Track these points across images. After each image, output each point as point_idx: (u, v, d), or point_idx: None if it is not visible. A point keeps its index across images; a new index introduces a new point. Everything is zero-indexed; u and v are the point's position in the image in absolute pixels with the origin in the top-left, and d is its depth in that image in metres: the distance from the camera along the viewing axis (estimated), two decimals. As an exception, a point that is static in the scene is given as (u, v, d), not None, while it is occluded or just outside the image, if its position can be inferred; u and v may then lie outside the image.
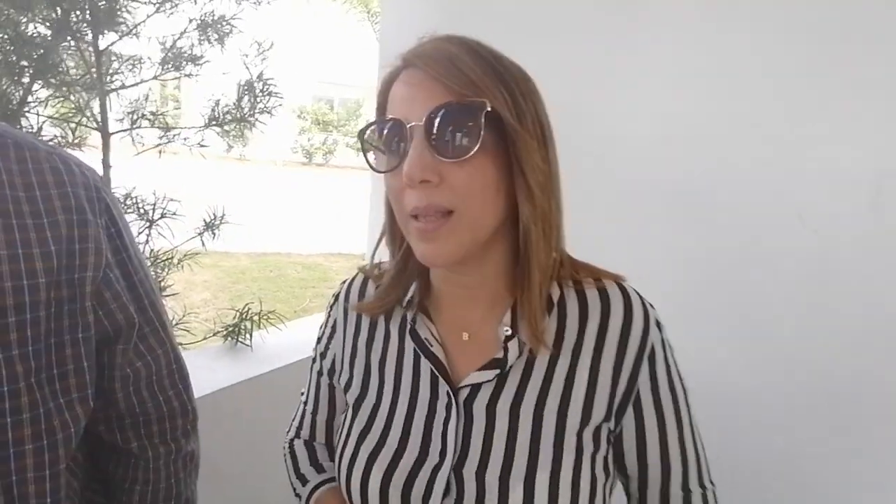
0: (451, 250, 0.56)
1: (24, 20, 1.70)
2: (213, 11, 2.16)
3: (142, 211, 1.94)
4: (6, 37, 1.59)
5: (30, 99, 1.62)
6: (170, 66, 2.19)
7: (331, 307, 0.75)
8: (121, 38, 1.91)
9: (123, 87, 2.00)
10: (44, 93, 1.75)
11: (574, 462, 0.57)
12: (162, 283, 2.24)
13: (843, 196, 1.22)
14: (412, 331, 0.64)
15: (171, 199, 1.98)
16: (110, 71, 1.97)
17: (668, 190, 1.43)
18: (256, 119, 2.08)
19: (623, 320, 0.61)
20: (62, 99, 1.73)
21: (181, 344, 2.22)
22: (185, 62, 2.24)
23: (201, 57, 2.27)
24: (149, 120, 1.91)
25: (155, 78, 2.12)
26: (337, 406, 0.76)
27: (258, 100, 2.01)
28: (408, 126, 0.54)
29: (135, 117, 1.89)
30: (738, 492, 1.08)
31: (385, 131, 0.57)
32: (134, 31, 1.87)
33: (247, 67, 2.09)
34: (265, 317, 2.07)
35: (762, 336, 1.33)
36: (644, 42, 1.45)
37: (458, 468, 0.58)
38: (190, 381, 0.81)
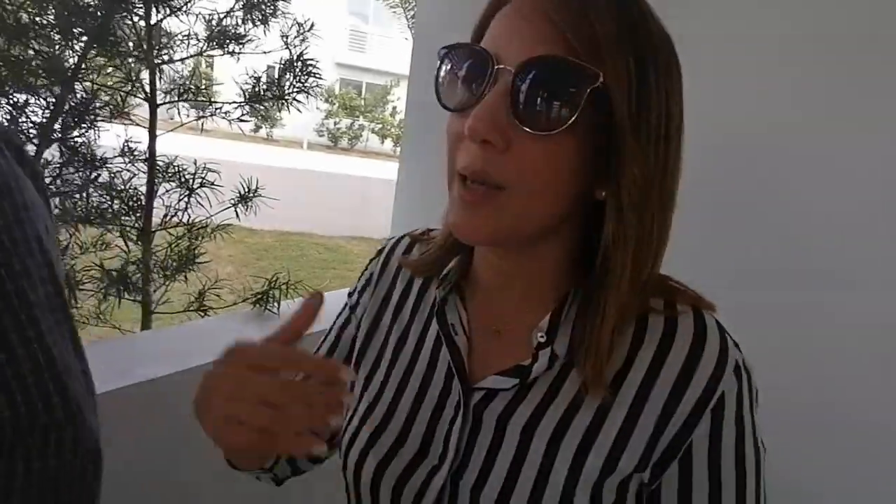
0: (487, 230, 0.46)
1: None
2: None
3: (182, 179, 2.04)
4: (63, 3, 1.69)
5: (84, 66, 1.71)
6: (214, 43, 2.29)
7: (370, 261, 0.67)
8: (172, 14, 2.00)
9: (171, 60, 2.10)
10: (97, 62, 1.84)
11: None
12: (196, 251, 2.36)
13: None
14: (440, 311, 0.55)
15: (210, 170, 2.07)
16: (159, 45, 2.08)
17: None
18: (294, 98, 2.16)
19: (688, 354, 0.48)
20: (114, 68, 1.83)
21: (211, 308, 2.34)
22: (228, 40, 2.33)
23: (244, 36, 2.36)
24: (193, 94, 2.00)
25: (200, 54, 2.22)
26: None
27: (297, 79, 2.08)
28: (495, 67, 0.44)
29: (181, 90, 1.99)
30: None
31: (469, 62, 0.46)
32: (184, 9, 1.95)
33: (288, 47, 2.16)
34: (293, 287, 2.16)
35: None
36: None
37: (455, 477, 0.51)
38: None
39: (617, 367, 0.48)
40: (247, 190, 2.37)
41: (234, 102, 2.30)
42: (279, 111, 2.26)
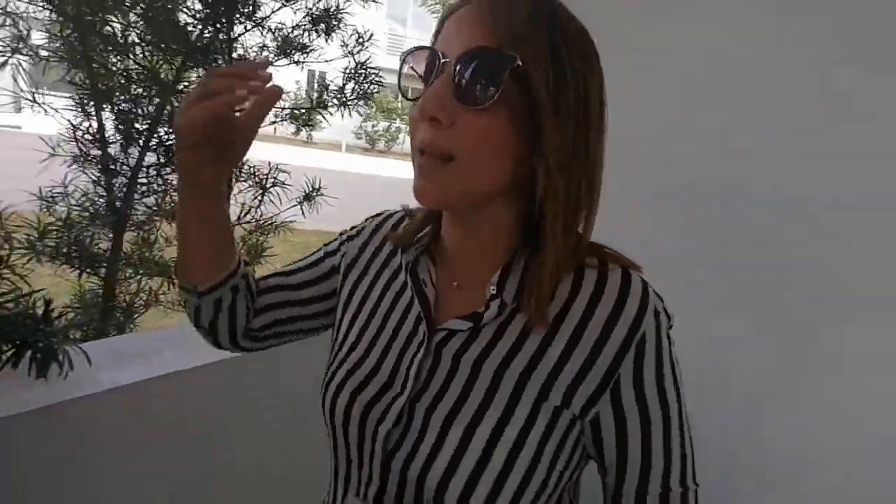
0: (441, 194, 0.56)
1: (171, 7, 2.02)
2: (322, 3, 2.42)
3: (257, 179, 2.24)
4: (162, 20, 1.90)
5: (180, 79, 1.92)
6: (282, 54, 2.49)
7: (369, 218, 0.79)
8: (251, 28, 2.20)
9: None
10: (190, 75, 2.05)
11: (523, 426, 0.55)
12: (264, 246, 2.56)
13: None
14: (412, 269, 0.66)
15: (282, 170, 2.26)
16: (235, 56, 2.28)
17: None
18: (356, 104, 2.34)
19: (616, 301, 0.57)
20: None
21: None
22: (294, 50, 2.53)
23: (308, 45, 2.56)
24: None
25: (271, 64, 2.41)
26: (303, 284, 0.78)
27: (360, 86, 2.26)
28: (441, 61, 0.54)
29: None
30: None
31: (424, 61, 0.57)
32: (262, 23, 2.15)
33: (351, 55, 2.34)
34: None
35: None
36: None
37: (413, 401, 0.59)
38: None
39: (556, 310, 0.58)
40: (311, 189, 2.57)
41: (302, 108, 2.50)
42: (333, 115, 2.44)
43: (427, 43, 0.59)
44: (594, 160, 0.57)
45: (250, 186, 2.28)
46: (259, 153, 2.55)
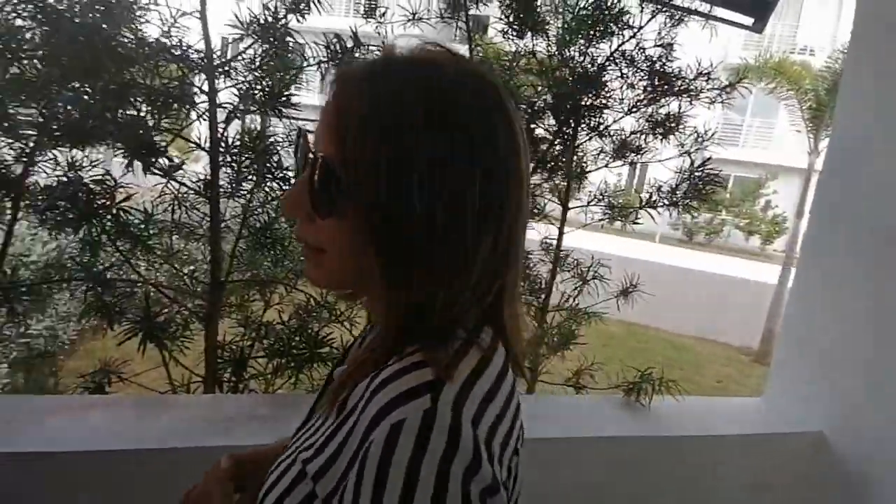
0: (320, 279, 0.58)
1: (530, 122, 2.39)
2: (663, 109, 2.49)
3: (579, 271, 2.37)
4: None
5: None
6: (617, 156, 2.63)
7: None
8: (592, 136, 2.42)
9: (584, 172, 2.52)
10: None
11: (297, 474, 0.53)
12: (575, 333, 2.65)
13: None
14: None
15: (603, 264, 2.35)
16: (573, 159, 2.53)
17: None
18: (689, 204, 2.27)
19: (369, 396, 0.49)
20: (542, 180, 2.32)
21: (584, 387, 2.57)
22: (629, 152, 2.65)
23: (641, 147, 2.64)
24: (601, 200, 2.34)
25: (606, 166, 2.59)
26: None
27: (696, 185, 2.19)
28: (309, 154, 0.54)
29: (593, 197, 2.36)
30: None
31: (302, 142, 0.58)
32: (604, 132, 2.34)
33: (689, 155, 2.31)
34: (665, 383, 2.19)
35: None
36: None
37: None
38: None
39: (353, 399, 0.52)
40: (629, 284, 2.57)
41: (632, 207, 2.57)
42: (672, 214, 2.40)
43: None
44: (468, 261, 0.51)
45: (571, 277, 2.43)
46: (572, 240, 2.75)
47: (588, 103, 2.36)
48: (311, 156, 0.53)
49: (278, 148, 1.94)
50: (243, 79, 1.85)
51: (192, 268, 2.08)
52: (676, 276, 11.13)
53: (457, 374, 0.49)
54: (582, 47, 2.41)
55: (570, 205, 2.51)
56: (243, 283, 2.10)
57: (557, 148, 2.35)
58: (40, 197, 1.75)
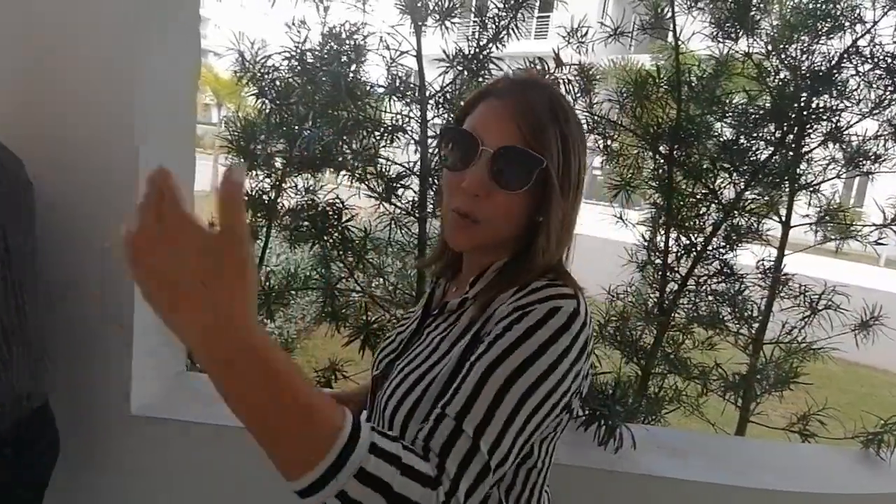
0: (468, 245, 0.76)
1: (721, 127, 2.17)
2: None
3: (808, 300, 2.07)
4: (735, 149, 2.04)
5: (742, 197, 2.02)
6: (851, 165, 2.25)
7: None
8: (822, 143, 2.11)
9: (809, 185, 2.20)
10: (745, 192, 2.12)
11: (439, 373, 0.71)
12: (798, 371, 2.30)
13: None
14: (436, 281, 0.93)
15: (839, 293, 2.01)
16: (798, 171, 2.22)
17: None
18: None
19: (524, 295, 0.69)
20: (761, 196, 2.08)
21: (814, 436, 2.22)
22: (865, 161, 2.25)
23: (881, 155, 2.23)
24: (831, 217, 2.02)
25: (837, 177, 2.23)
26: None
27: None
28: (480, 148, 0.71)
29: (821, 214, 2.05)
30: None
31: (462, 140, 0.73)
32: (838, 138, 2.02)
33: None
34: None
35: None
36: None
37: (394, 360, 0.82)
38: None
39: (497, 304, 0.72)
40: (870, 316, 2.17)
41: (869, 225, 2.18)
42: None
43: None
44: (573, 223, 0.76)
45: (795, 305, 2.13)
46: (794, 265, 2.39)
47: (818, 105, 2.06)
48: (483, 148, 0.71)
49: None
50: (451, 107, 2.00)
51: (397, 281, 2.28)
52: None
53: (581, 298, 0.71)
54: (804, 45, 2.13)
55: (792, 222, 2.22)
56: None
57: (775, 158, 2.09)
58: (285, 217, 2.09)
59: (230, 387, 0.47)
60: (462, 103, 0.83)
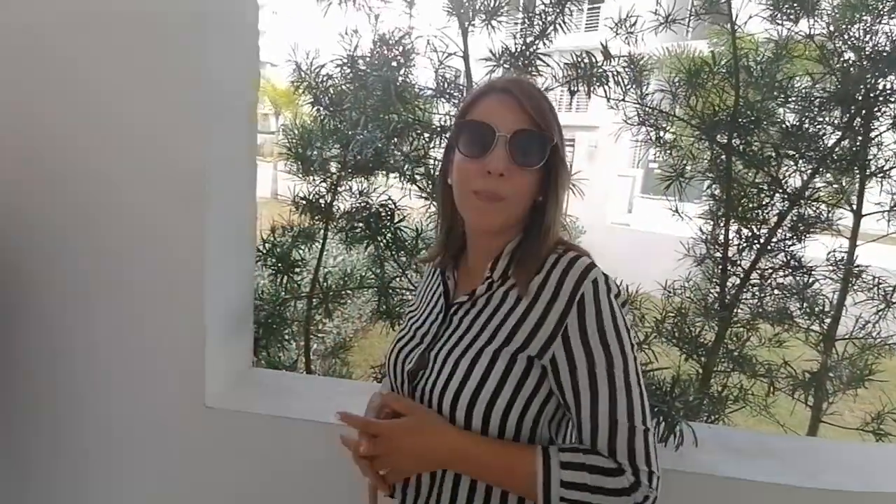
0: (497, 222, 0.84)
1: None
2: None
3: (883, 292, 1.94)
4: (777, 131, 1.94)
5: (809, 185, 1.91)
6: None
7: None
8: (894, 125, 1.97)
9: (880, 171, 2.06)
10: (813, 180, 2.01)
11: (488, 364, 0.81)
12: (872, 367, 2.16)
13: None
14: (444, 274, 0.97)
15: (921, 285, 1.87)
16: (867, 157, 2.08)
17: None
18: None
19: (562, 273, 0.81)
20: (830, 184, 1.96)
21: (888, 435, 2.08)
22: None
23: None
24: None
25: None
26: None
27: None
28: (497, 134, 0.81)
29: (895, 202, 1.92)
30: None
31: (477, 130, 0.82)
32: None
33: None
34: None
35: None
36: None
37: (428, 350, 0.89)
38: None
39: (534, 280, 0.83)
40: (958, 310, 2.01)
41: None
42: None
43: None
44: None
45: (869, 298, 2.00)
46: (866, 256, 2.23)
47: (885, 87, 1.93)
48: (499, 134, 0.81)
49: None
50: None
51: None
52: None
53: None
54: (866, 25, 2.00)
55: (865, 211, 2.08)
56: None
57: (843, 144, 1.97)
58: (341, 219, 2.17)
59: (468, 472, 0.82)
60: (462, 104, 0.91)
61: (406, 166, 2.00)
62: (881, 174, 2.03)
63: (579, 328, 0.77)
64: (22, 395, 1.47)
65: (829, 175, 1.99)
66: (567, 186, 0.86)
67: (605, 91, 1.94)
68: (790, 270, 1.98)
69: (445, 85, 2.01)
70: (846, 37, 2.00)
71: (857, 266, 2.05)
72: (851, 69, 1.97)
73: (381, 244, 2.07)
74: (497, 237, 0.87)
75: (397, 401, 0.86)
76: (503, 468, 0.77)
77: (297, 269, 2.07)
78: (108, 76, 1.29)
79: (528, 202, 0.85)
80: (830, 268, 2.05)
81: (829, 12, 2.03)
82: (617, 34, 2.02)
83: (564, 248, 0.85)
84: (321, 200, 2.15)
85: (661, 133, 2.08)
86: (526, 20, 2.03)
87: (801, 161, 1.95)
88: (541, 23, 2.00)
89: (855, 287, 2.06)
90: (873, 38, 1.96)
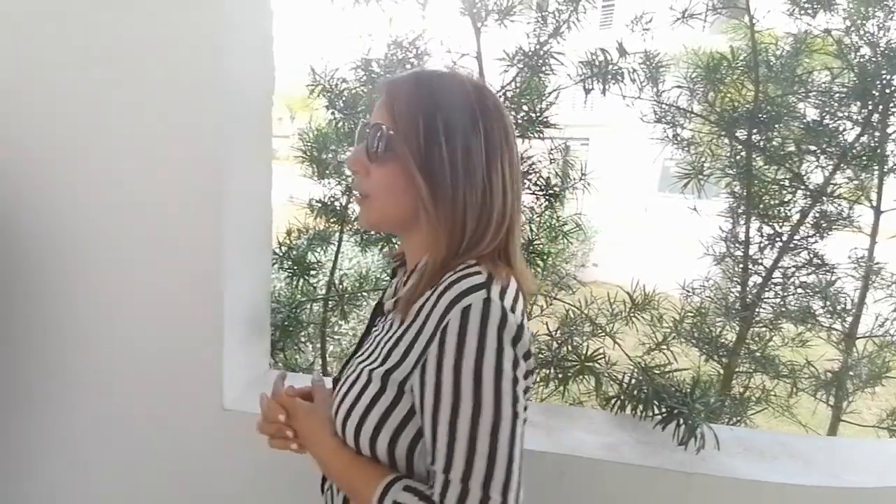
0: (368, 221, 0.82)
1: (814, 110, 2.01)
2: None
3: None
4: (820, 129, 1.90)
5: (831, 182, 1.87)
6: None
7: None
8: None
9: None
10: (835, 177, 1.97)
11: (363, 385, 0.76)
12: (888, 364, 2.11)
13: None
14: (393, 276, 0.95)
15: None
16: (885, 153, 2.03)
17: None
18: None
19: (437, 296, 0.70)
20: (850, 181, 1.92)
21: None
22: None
23: None
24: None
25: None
26: None
27: None
28: (361, 128, 0.81)
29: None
30: None
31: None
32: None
33: None
34: None
35: None
36: None
37: (349, 360, 0.88)
38: None
39: (415, 305, 0.74)
40: None
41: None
42: None
43: None
44: (477, 201, 0.73)
45: (888, 296, 1.95)
46: (885, 253, 2.17)
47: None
48: (367, 128, 0.78)
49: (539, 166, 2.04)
50: (512, 105, 2.00)
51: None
52: None
53: (497, 278, 0.70)
54: (879, 21, 1.95)
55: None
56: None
57: (862, 139, 1.92)
58: (356, 222, 2.17)
59: (326, 471, 0.83)
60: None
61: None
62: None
63: (436, 362, 0.66)
64: (41, 397, 1.49)
65: (849, 171, 1.95)
66: (452, 192, 0.72)
67: (620, 89, 1.92)
68: (813, 269, 1.94)
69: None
70: (861, 32, 1.96)
71: (877, 263, 2.00)
72: (868, 65, 1.92)
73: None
74: (417, 248, 0.80)
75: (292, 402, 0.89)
76: (351, 490, 0.77)
77: (313, 272, 2.08)
78: (127, 82, 1.30)
79: (404, 201, 0.75)
80: (852, 265, 2.00)
81: (845, 7, 1.99)
82: (633, 31, 2.00)
83: (474, 265, 0.71)
84: (336, 203, 2.16)
85: (679, 130, 2.05)
86: (539, 19, 2.02)
87: (822, 157, 1.91)
88: (555, 21, 1.98)
89: (875, 285, 2.01)
90: (886, 33, 1.92)
